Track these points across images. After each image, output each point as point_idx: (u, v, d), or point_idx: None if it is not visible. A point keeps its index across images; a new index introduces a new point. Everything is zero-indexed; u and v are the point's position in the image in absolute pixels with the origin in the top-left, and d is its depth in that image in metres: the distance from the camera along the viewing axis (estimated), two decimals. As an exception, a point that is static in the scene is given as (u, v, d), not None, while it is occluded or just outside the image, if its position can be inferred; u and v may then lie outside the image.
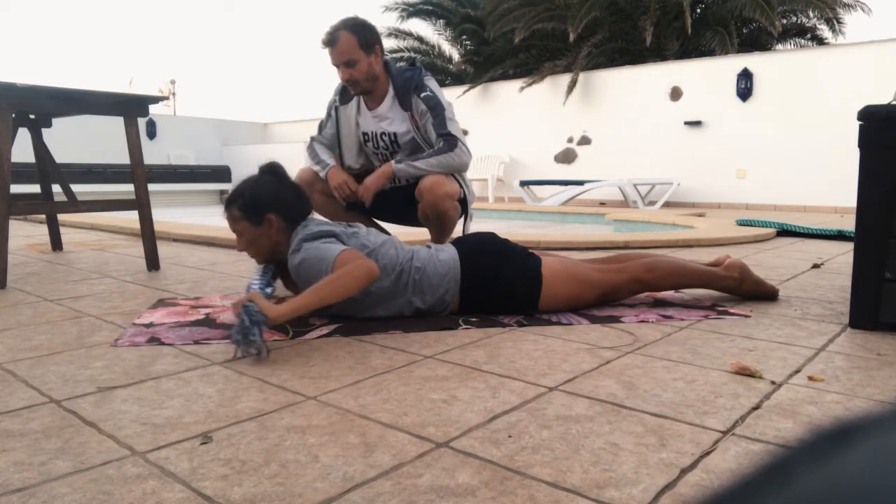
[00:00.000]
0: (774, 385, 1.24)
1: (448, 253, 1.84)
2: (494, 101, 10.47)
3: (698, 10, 9.80)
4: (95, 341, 1.62)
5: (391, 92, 2.44)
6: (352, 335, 1.65)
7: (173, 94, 21.93)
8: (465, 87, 10.71)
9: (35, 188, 3.47)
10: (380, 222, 2.63)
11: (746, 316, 1.84)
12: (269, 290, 1.74)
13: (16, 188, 2.96)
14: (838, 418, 0.23)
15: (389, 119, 2.45)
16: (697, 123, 8.43)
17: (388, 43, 12.21)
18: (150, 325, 1.78)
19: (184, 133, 12.21)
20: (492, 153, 10.22)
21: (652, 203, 8.26)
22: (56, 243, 3.54)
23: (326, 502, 0.81)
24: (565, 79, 9.52)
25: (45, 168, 3.26)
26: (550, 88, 9.76)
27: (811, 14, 9.96)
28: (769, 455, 0.19)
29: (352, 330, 1.69)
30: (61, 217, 4.80)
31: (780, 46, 10.52)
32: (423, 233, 2.64)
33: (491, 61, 11.32)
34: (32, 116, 3.08)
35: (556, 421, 1.07)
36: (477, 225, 2.89)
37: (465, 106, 10.35)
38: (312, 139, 2.62)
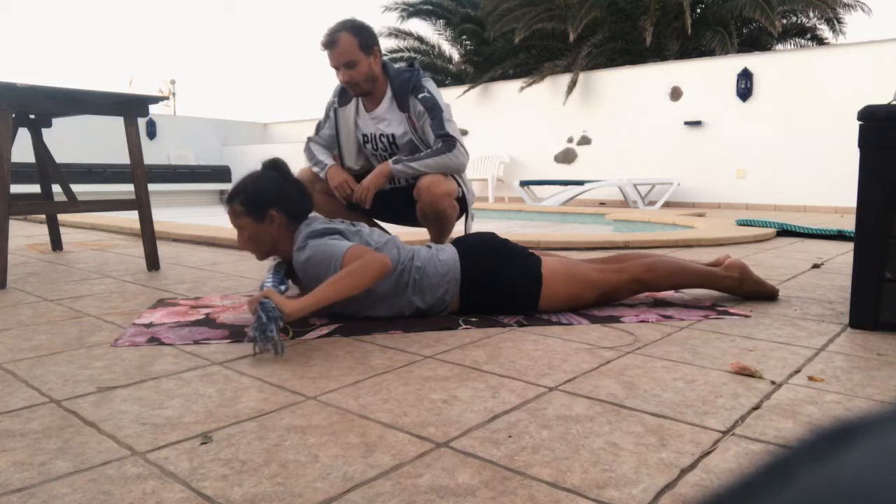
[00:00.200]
0: (774, 385, 1.24)
1: (448, 253, 1.85)
2: (494, 101, 10.47)
3: (698, 10, 9.80)
4: (95, 341, 1.62)
5: (389, 93, 2.44)
6: (352, 335, 1.65)
7: (173, 94, 21.95)
8: (465, 87, 10.71)
9: (35, 188, 3.47)
10: (380, 223, 2.63)
11: (746, 316, 1.84)
12: (282, 287, 1.75)
13: (16, 188, 2.96)
14: (838, 418, 0.23)
15: (387, 120, 2.45)
16: (697, 123, 8.43)
17: (389, 43, 12.22)
18: (150, 325, 1.78)
19: (184, 133, 12.21)
20: (492, 153, 10.23)
21: (652, 203, 8.26)
22: (56, 243, 3.54)
23: (326, 502, 0.81)
24: (565, 79, 9.52)
25: (45, 168, 3.26)
26: (550, 88, 9.76)
27: (811, 14, 9.96)
28: (769, 455, 0.19)
29: (352, 330, 1.69)
30: (61, 217, 4.80)
31: (780, 46, 10.52)
32: (423, 233, 2.64)
33: (491, 61, 11.32)
34: (32, 116, 3.08)
35: (556, 421, 1.07)
36: (477, 225, 2.89)
37: (464, 106, 10.35)
38: (309, 140, 2.62)
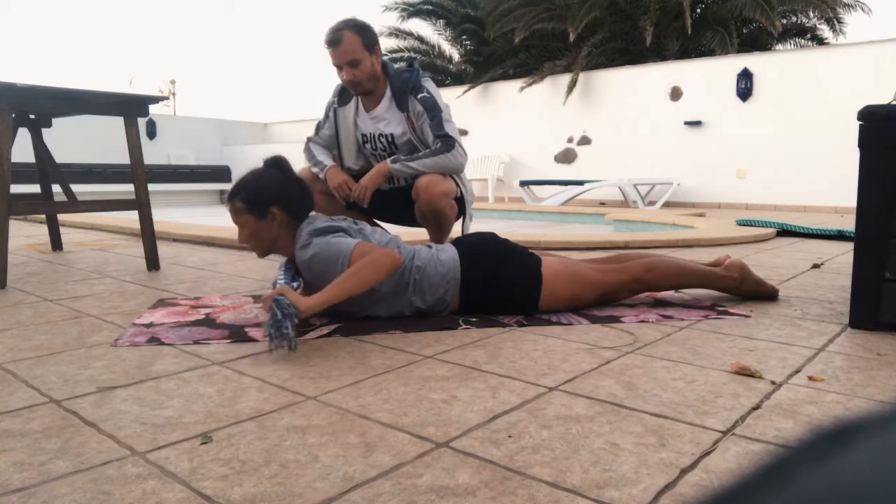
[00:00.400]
0: (774, 385, 1.24)
1: (448, 253, 1.85)
2: (494, 101, 10.47)
3: (698, 10, 9.80)
4: (95, 341, 1.62)
5: (388, 93, 2.44)
6: (352, 335, 1.65)
7: (173, 94, 21.94)
8: (465, 87, 10.71)
9: (35, 188, 3.47)
10: (379, 223, 2.63)
11: (746, 316, 1.84)
12: (294, 283, 1.75)
13: (16, 188, 2.96)
14: (838, 418, 0.23)
15: (386, 120, 2.45)
16: (697, 123, 8.43)
17: (389, 43, 12.21)
18: (150, 325, 1.78)
19: (184, 133, 12.21)
20: (492, 153, 10.22)
21: (652, 203, 8.26)
22: (56, 243, 3.54)
23: (326, 502, 0.81)
24: (565, 79, 9.53)
25: (45, 168, 3.26)
26: (550, 88, 9.76)
27: (811, 14, 9.96)
28: (769, 455, 0.19)
29: (352, 330, 1.69)
30: (61, 217, 4.80)
31: (780, 46, 10.52)
32: (422, 233, 2.64)
33: (491, 61, 11.32)
34: (32, 116, 3.08)
35: (556, 421, 1.07)
36: (477, 225, 2.89)
37: (464, 106, 10.35)
38: (309, 140, 2.62)
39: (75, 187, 3.72)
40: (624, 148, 9.09)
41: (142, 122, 10.70)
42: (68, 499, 0.82)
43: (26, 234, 4.64)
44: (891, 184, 1.60)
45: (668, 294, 2.13)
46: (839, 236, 3.99)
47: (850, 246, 3.52)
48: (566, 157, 9.71)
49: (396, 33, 12.29)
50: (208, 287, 2.40)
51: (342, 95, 2.54)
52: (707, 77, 8.38)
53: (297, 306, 1.50)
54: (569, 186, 8.13)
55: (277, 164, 1.89)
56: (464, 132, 10.35)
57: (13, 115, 2.71)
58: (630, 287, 1.93)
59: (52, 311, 1.98)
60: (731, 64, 8.21)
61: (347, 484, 0.86)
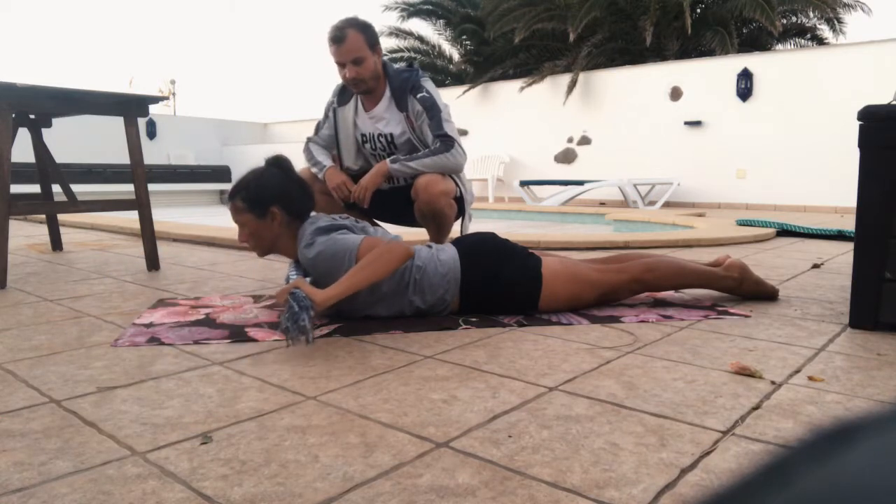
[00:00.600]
0: (774, 385, 1.24)
1: (448, 253, 1.85)
2: (494, 101, 10.47)
3: (698, 10, 9.80)
4: (95, 341, 1.62)
5: (388, 93, 2.44)
6: (352, 335, 1.65)
7: (173, 94, 21.95)
8: (465, 87, 10.71)
9: (35, 188, 3.47)
10: (379, 223, 2.63)
11: (746, 316, 1.84)
12: (307, 279, 1.76)
13: (16, 188, 2.96)
14: (838, 418, 0.23)
15: (385, 120, 2.45)
16: (697, 123, 8.43)
17: (389, 42, 12.21)
18: (150, 325, 1.78)
19: (184, 133, 12.21)
20: (492, 153, 10.22)
21: (652, 203, 8.26)
22: (56, 243, 3.54)
23: (326, 502, 0.81)
24: (565, 79, 9.52)
25: (45, 168, 3.26)
26: (550, 88, 9.76)
27: (811, 14, 9.96)
28: (769, 455, 0.19)
29: (352, 330, 1.69)
30: (61, 217, 4.80)
31: (780, 46, 10.52)
32: (422, 233, 2.64)
33: (491, 61, 11.32)
34: (32, 116, 3.08)
35: (556, 421, 1.07)
36: (477, 225, 2.89)
37: (464, 106, 10.35)
38: (309, 140, 2.62)
39: (75, 187, 3.72)
40: (624, 148, 9.09)
41: (142, 122, 10.70)
42: (68, 499, 0.82)
43: (26, 234, 4.64)
44: (891, 184, 1.60)
45: (668, 294, 2.13)
46: (839, 236, 3.99)
47: (850, 246, 3.52)
48: (566, 157, 9.70)
49: (396, 33, 12.29)
50: (208, 287, 2.40)
51: (342, 95, 2.54)
52: (707, 77, 8.38)
53: (313, 299, 1.51)
54: (569, 186, 8.13)
55: (278, 164, 1.89)
56: (464, 132, 10.35)
57: (13, 115, 2.71)
58: (630, 287, 1.93)
59: (52, 311, 1.98)
60: (731, 64, 8.21)
61: (347, 484, 0.86)
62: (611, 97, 9.26)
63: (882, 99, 4.74)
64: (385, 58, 2.50)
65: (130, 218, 4.19)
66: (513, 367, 1.37)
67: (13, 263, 3.01)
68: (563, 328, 1.72)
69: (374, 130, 2.48)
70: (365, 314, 1.80)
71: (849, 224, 4.75)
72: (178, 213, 7.97)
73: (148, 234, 2.80)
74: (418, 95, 2.39)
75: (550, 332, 1.67)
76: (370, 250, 1.66)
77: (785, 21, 10.11)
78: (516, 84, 10.08)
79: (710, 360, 1.41)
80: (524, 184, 8.61)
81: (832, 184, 7.43)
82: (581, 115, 9.52)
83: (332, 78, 2.71)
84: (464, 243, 1.92)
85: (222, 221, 4.18)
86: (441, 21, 12.35)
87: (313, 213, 1.90)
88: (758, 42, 10.16)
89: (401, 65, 2.51)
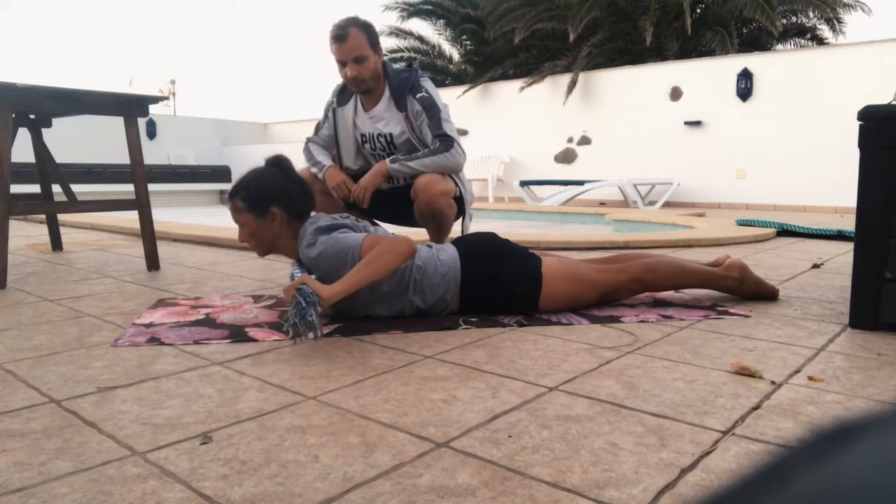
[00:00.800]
0: (774, 385, 1.24)
1: (448, 253, 1.85)
2: (494, 101, 10.46)
3: (698, 10, 9.80)
4: (95, 341, 1.62)
5: (387, 93, 2.44)
6: (352, 335, 1.65)
7: (173, 94, 21.94)
8: (465, 87, 10.71)
9: (35, 188, 3.47)
10: (379, 223, 2.63)
11: (746, 316, 1.84)
12: (312, 276, 1.76)
13: (16, 188, 2.96)
14: (838, 418, 0.23)
15: (385, 120, 2.45)
16: (697, 123, 8.43)
17: (389, 42, 12.21)
18: (150, 325, 1.78)
19: (184, 133, 12.21)
20: (492, 153, 10.22)
21: (652, 203, 8.26)
22: (56, 243, 3.54)
23: (326, 502, 0.81)
24: (565, 79, 9.52)
25: (45, 168, 3.26)
26: (550, 88, 9.76)
27: (811, 14, 9.96)
28: (769, 455, 0.19)
29: (352, 330, 1.69)
30: (61, 217, 4.80)
31: (780, 46, 10.52)
32: (422, 233, 2.64)
33: (491, 61, 11.32)
34: (32, 116, 3.08)
35: (556, 421, 1.07)
36: (477, 225, 2.89)
37: (464, 106, 10.35)
38: (308, 140, 2.62)
39: (75, 187, 3.72)
40: (624, 148, 9.09)
41: (142, 122, 10.70)
42: (68, 499, 0.82)
43: (26, 234, 4.64)
44: (891, 184, 1.60)
45: (668, 294, 2.13)
46: (839, 236, 3.99)
47: (850, 246, 3.52)
48: (566, 157, 9.70)
49: (397, 33, 12.29)
50: (208, 287, 2.40)
51: (341, 95, 2.54)
52: (707, 77, 8.38)
53: (320, 294, 1.52)
54: (569, 186, 8.13)
55: (279, 164, 1.89)
56: (464, 132, 10.35)
57: (13, 115, 2.71)
58: (630, 287, 1.93)
59: (52, 311, 1.98)
60: (731, 64, 8.21)
61: (347, 484, 0.86)
62: (611, 97, 9.26)
63: (882, 99, 4.74)
64: (385, 58, 2.50)
65: (130, 218, 4.19)
66: (513, 367, 1.37)
67: (13, 263, 3.01)
68: (563, 328, 1.72)
69: (374, 130, 2.48)
70: (365, 314, 1.80)
71: (849, 224, 4.75)
72: (178, 213, 7.97)
73: (148, 234, 2.80)
74: (418, 95, 2.39)
75: (550, 332, 1.67)
76: (373, 248, 1.66)
77: (785, 21, 10.11)
78: (516, 84, 10.08)
79: (710, 360, 1.41)
80: (524, 184, 8.61)
81: (832, 184, 7.43)
82: (581, 115, 9.52)
83: (332, 78, 2.72)
84: (464, 243, 1.92)
85: (222, 221, 4.17)
86: (441, 21, 12.35)
87: (313, 213, 1.90)
88: (758, 42, 10.16)
89: (400, 65, 2.51)
